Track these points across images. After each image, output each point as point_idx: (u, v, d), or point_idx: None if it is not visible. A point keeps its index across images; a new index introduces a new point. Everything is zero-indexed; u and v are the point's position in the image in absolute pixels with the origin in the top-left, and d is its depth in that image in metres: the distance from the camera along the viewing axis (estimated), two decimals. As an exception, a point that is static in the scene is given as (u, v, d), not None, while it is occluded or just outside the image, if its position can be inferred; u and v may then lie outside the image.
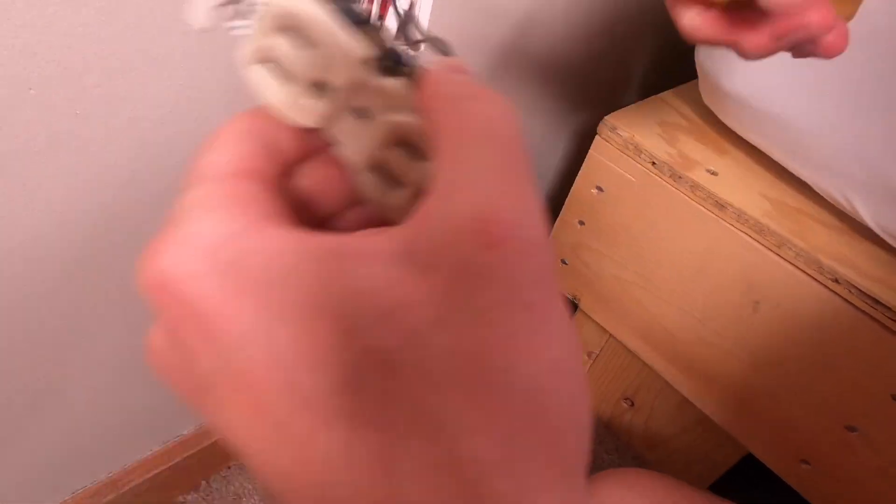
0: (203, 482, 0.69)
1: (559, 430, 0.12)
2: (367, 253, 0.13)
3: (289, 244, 0.13)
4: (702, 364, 0.65)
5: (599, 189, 0.67)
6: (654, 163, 0.60)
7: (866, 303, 0.51)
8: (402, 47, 0.16)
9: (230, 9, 0.16)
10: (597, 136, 0.64)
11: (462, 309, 0.12)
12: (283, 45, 0.16)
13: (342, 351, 0.12)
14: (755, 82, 0.54)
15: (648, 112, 0.66)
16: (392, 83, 0.15)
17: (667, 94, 0.70)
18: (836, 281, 0.52)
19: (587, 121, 0.79)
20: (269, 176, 0.15)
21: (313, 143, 0.16)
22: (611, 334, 0.75)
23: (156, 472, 0.61)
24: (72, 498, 0.57)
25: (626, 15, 0.69)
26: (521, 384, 0.11)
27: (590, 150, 0.66)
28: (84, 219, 0.39)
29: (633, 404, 0.82)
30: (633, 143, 0.61)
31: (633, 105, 0.67)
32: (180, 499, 0.67)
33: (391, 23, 0.44)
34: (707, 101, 0.63)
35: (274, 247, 0.13)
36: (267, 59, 0.16)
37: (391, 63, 0.15)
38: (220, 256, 0.13)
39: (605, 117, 0.64)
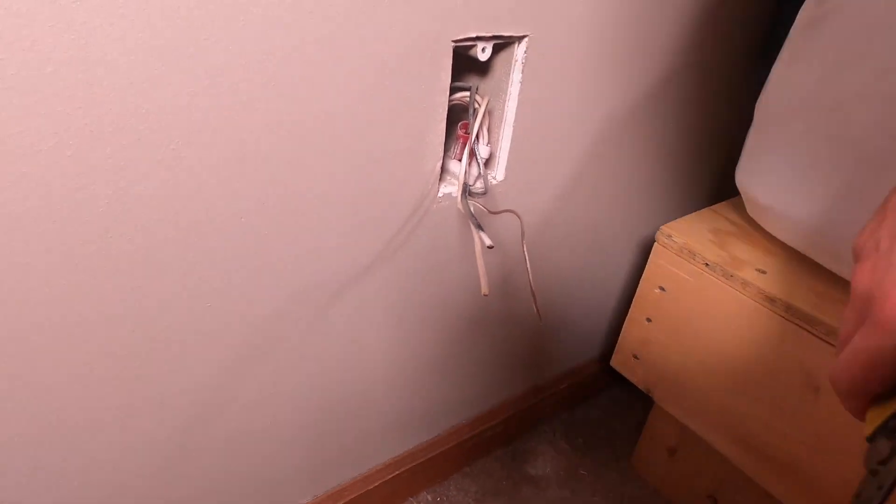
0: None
1: None
2: None
3: None
4: (777, 453, 0.68)
5: (662, 289, 0.76)
6: (707, 264, 0.69)
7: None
8: None
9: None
10: (655, 244, 0.75)
11: None
12: None
13: None
14: (787, 196, 0.64)
15: (701, 221, 0.77)
16: None
17: (718, 206, 0.80)
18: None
19: (650, 231, 0.89)
20: None
21: None
22: (687, 427, 0.80)
23: None
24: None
25: (681, 138, 0.81)
26: None
27: (651, 255, 0.76)
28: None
29: (716, 501, 0.83)
30: (688, 248, 0.71)
31: (687, 216, 0.78)
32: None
33: (473, 169, 0.59)
34: (750, 213, 0.72)
35: None
36: None
37: None
38: None
39: (662, 227, 0.74)
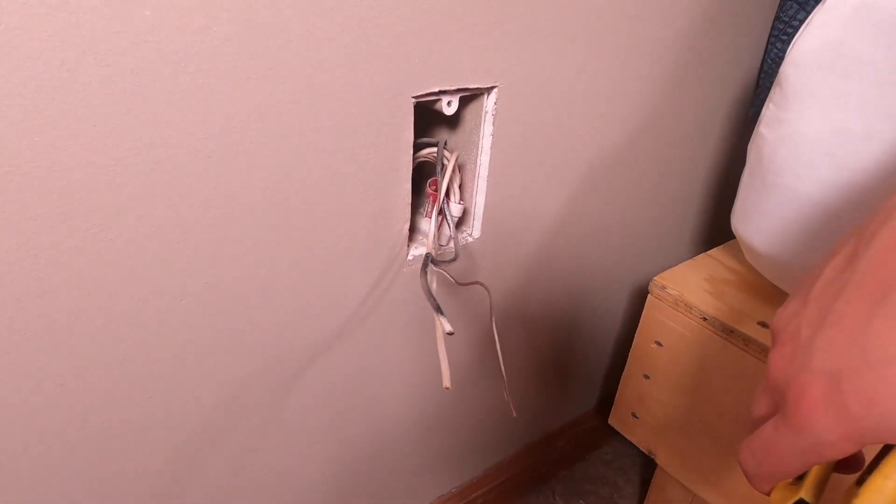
0: None
1: None
2: None
3: None
4: (791, 524, 0.62)
5: (659, 344, 0.70)
6: (704, 318, 0.64)
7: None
8: None
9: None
10: (649, 295, 0.70)
11: None
12: None
13: None
14: (787, 244, 0.59)
15: (696, 269, 0.72)
16: None
17: (714, 251, 0.76)
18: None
19: (642, 277, 0.84)
20: None
21: None
22: (693, 493, 0.74)
23: None
24: None
25: (675, 179, 0.77)
26: None
27: (644, 308, 0.71)
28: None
29: (730, 571, 0.76)
30: (683, 301, 0.66)
31: (681, 264, 0.73)
32: None
33: (445, 229, 0.55)
34: (748, 259, 0.67)
35: None
36: None
37: None
38: None
39: (655, 278, 0.70)
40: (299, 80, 0.40)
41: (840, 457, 0.23)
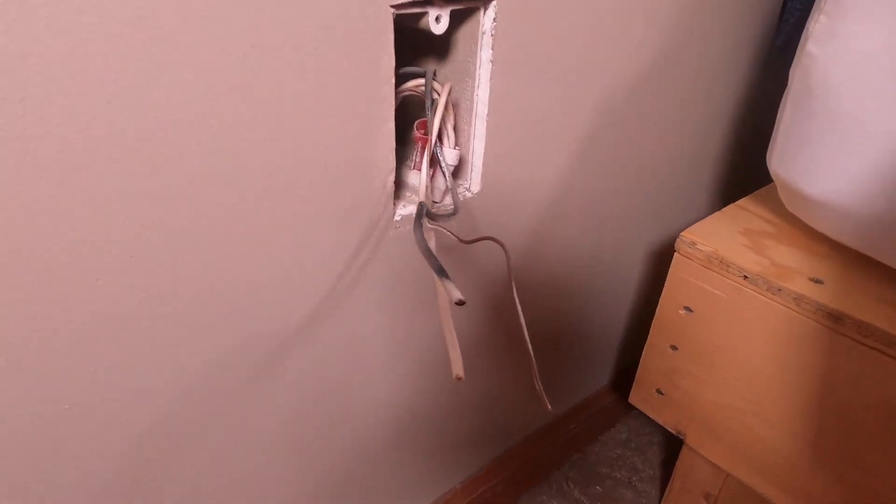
0: None
1: None
2: None
3: None
4: (850, 508, 0.54)
5: (688, 309, 0.61)
6: (745, 276, 0.55)
7: None
8: None
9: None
10: (676, 254, 0.60)
11: None
12: None
13: None
14: (839, 184, 0.49)
15: (727, 221, 0.62)
16: None
17: (744, 201, 0.66)
18: None
19: (663, 236, 0.75)
20: None
21: None
22: (727, 472, 0.65)
23: None
24: None
25: (695, 120, 0.68)
26: None
27: (671, 269, 0.61)
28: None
29: (771, 558, 0.69)
30: (718, 258, 0.57)
31: (709, 216, 0.63)
32: None
33: (438, 181, 0.44)
34: (789, 206, 0.58)
35: None
36: None
37: None
38: None
39: (682, 233, 0.60)
40: (234, -30, 0.29)
41: None
